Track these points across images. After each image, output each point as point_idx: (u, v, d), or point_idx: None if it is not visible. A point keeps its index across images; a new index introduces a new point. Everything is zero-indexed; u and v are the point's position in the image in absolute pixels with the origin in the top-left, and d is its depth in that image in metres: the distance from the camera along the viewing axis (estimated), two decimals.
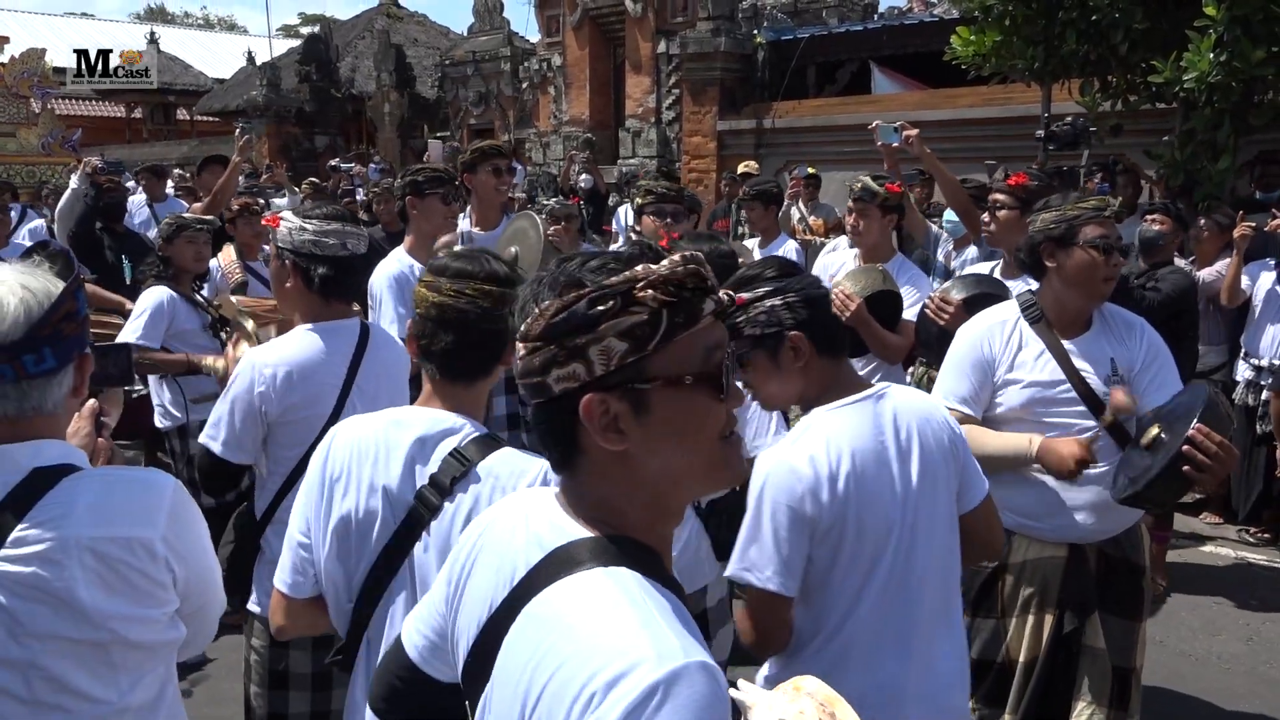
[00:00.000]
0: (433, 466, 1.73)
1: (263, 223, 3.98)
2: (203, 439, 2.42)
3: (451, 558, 1.27)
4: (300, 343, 2.41)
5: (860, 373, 3.70)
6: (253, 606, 2.49)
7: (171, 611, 1.50)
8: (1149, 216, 4.96)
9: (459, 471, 1.70)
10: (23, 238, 7.05)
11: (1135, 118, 7.45)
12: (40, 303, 1.41)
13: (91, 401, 1.67)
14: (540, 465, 1.71)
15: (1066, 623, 2.61)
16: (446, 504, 1.70)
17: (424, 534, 1.71)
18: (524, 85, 17.13)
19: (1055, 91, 7.83)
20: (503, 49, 17.55)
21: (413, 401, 1.96)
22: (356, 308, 2.80)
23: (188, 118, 27.33)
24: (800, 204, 8.10)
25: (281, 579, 1.84)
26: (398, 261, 3.70)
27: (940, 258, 4.62)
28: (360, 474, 1.77)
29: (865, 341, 3.46)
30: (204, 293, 4.53)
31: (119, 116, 28.44)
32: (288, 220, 2.46)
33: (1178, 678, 3.97)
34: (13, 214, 7.14)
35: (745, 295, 1.91)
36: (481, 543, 1.23)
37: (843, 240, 4.42)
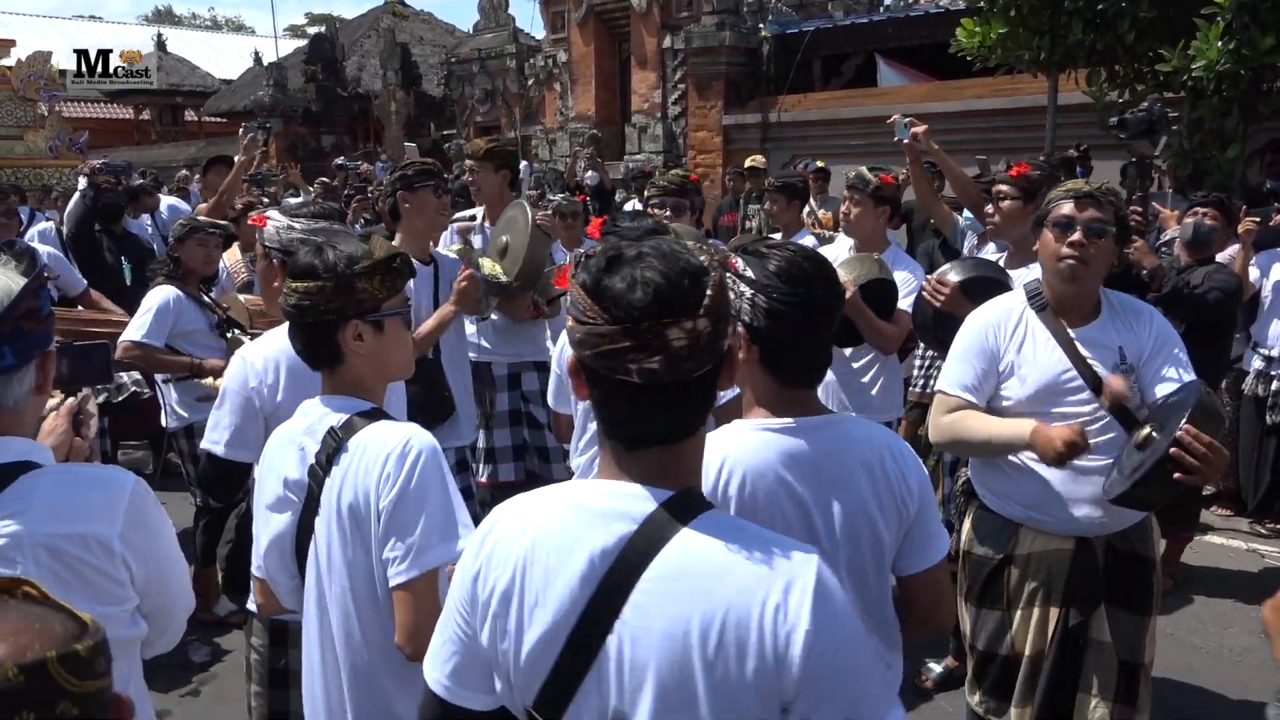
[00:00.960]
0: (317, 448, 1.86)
1: (249, 222, 3.97)
2: (205, 445, 2.40)
3: (480, 580, 1.23)
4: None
5: (857, 364, 3.73)
6: (252, 606, 2.48)
7: (131, 609, 1.51)
8: (1200, 210, 4.81)
9: (332, 449, 1.82)
10: (31, 239, 7.04)
11: None
12: (0, 300, 1.41)
13: (70, 400, 1.67)
14: (403, 435, 1.77)
15: (1072, 616, 2.58)
16: (328, 479, 1.83)
17: (317, 508, 1.85)
18: (530, 82, 17.13)
19: (1062, 82, 7.79)
20: (508, 46, 17.57)
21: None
22: None
23: (195, 119, 27.39)
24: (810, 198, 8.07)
25: (255, 563, 2.01)
26: None
27: (965, 252, 4.60)
28: (273, 466, 1.94)
29: (860, 330, 3.43)
30: (211, 294, 4.53)
31: (127, 118, 28.52)
32: (275, 219, 2.47)
33: (1189, 671, 3.94)
34: (21, 215, 7.15)
35: (737, 263, 1.65)
36: (528, 553, 1.20)
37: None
